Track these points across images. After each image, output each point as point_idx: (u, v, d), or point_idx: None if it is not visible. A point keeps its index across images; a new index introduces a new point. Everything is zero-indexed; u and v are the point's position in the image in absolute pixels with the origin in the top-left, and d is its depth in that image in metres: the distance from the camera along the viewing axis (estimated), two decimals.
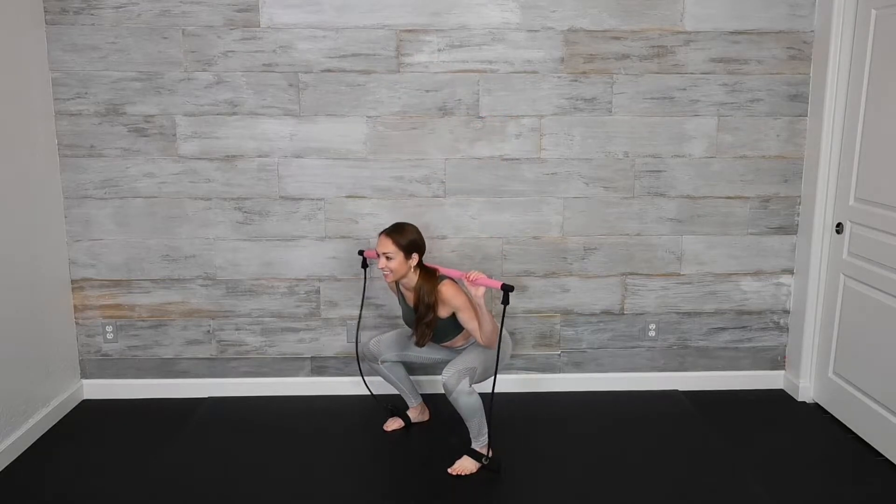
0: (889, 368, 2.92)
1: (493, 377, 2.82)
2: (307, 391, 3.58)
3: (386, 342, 3.09)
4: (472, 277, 2.68)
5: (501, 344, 2.82)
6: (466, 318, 2.76)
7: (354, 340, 3.55)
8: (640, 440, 3.11)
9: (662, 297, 3.58)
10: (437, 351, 3.07)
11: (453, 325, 2.86)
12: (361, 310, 3.33)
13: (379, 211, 3.42)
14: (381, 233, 2.81)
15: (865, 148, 3.07)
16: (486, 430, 2.84)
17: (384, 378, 3.15)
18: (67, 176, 3.36)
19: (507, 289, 2.67)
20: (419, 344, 2.87)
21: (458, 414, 2.86)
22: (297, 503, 2.64)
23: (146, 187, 3.39)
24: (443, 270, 2.86)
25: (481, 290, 2.67)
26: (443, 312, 2.80)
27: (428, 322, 2.80)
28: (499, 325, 2.77)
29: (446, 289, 2.76)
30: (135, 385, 3.55)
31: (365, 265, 3.20)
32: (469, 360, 2.80)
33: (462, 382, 2.73)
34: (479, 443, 2.84)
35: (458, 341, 2.96)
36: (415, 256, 2.80)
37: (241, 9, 3.24)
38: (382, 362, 3.09)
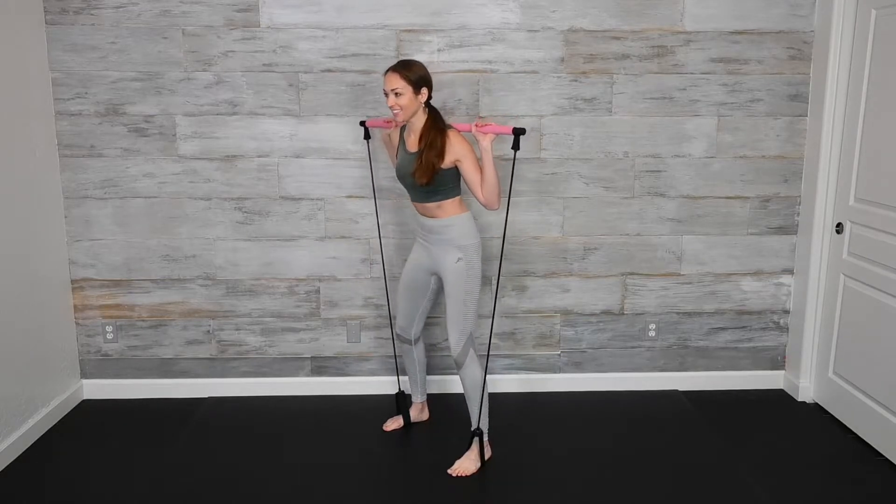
0: (889, 368, 2.92)
1: (478, 296, 2.79)
2: (307, 391, 3.58)
3: (402, 316, 3.04)
4: (480, 124, 2.60)
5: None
6: (469, 168, 2.65)
7: (357, 341, 3.56)
8: (640, 440, 3.11)
9: (662, 297, 3.58)
10: (423, 282, 2.94)
11: (452, 179, 2.72)
12: (375, 200, 3.28)
13: (379, 211, 3.42)
14: (388, 69, 2.67)
15: (865, 148, 3.07)
16: (486, 419, 2.86)
17: (409, 364, 3.16)
18: (67, 176, 3.36)
19: (518, 132, 2.56)
20: (419, 181, 2.66)
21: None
22: (297, 503, 2.64)
23: (146, 187, 3.39)
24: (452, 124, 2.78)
25: (490, 136, 2.58)
26: (446, 159, 2.66)
27: (430, 163, 2.63)
28: (499, 187, 2.65)
29: (454, 134, 2.67)
30: (135, 385, 3.55)
31: (367, 136, 3.15)
32: (460, 318, 2.75)
33: (469, 352, 2.78)
34: (478, 420, 2.83)
35: (446, 209, 2.75)
36: (424, 92, 2.68)
37: (241, 9, 3.24)
38: (416, 342, 3.09)
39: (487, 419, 2.89)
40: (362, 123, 3.15)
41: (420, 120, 2.72)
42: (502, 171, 2.75)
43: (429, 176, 2.65)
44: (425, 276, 2.96)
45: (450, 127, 2.73)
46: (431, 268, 2.90)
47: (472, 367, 2.80)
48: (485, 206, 2.69)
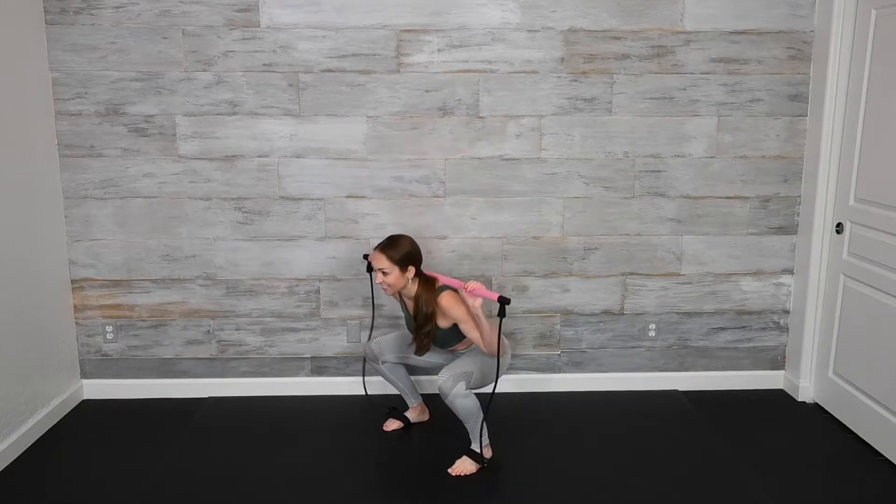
0: (889, 368, 2.92)
1: (493, 385, 2.81)
2: (307, 391, 3.58)
3: (387, 343, 3.09)
4: (469, 288, 2.67)
5: (502, 358, 2.83)
6: (468, 329, 2.76)
7: (357, 341, 3.56)
8: (640, 440, 3.11)
9: (662, 297, 3.58)
10: (438, 355, 3.07)
11: (454, 334, 2.86)
12: (374, 311, 3.36)
13: (379, 211, 3.42)
14: (376, 248, 2.82)
15: (865, 148, 3.07)
16: (485, 431, 2.84)
17: (385, 378, 3.15)
18: (67, 176, 3.36)
19: (503, 301, 2.63)
20: (418, 353, 2.89)
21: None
22: (296, 503, 2.64)
23: (146, 187, 3.39)
24: (442, 279, 2.85)
25: (479, 300, 2.65)
26: (443, 322, 2.81)
27: (427, 332, 2.81)
28: (497, 335, 2.75)
29: (446, 300, 2.76)
30: (135, 385, 3.55)
31: (370, 269, 3.20)
32: (466, 364, 2.79)
33: (458, 386, 2.71)
34: (478, 444, 2.83)
35: (459, 347, 2.97)
36: (411, 269, 2.81)
37: (241, 9, 3.24)
38: (383, 363, 3.09)
39: (486, 435, 2.87)
40: (365, 257, 3.25)
41: (411, 291, 2.84)
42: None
43: (430, 345, 2.85)
44: (446, 354, 3.06)
45: (441, 290, 2.79)
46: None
47: (459, 400, 2.73)
48: (488, 354, 2.81)
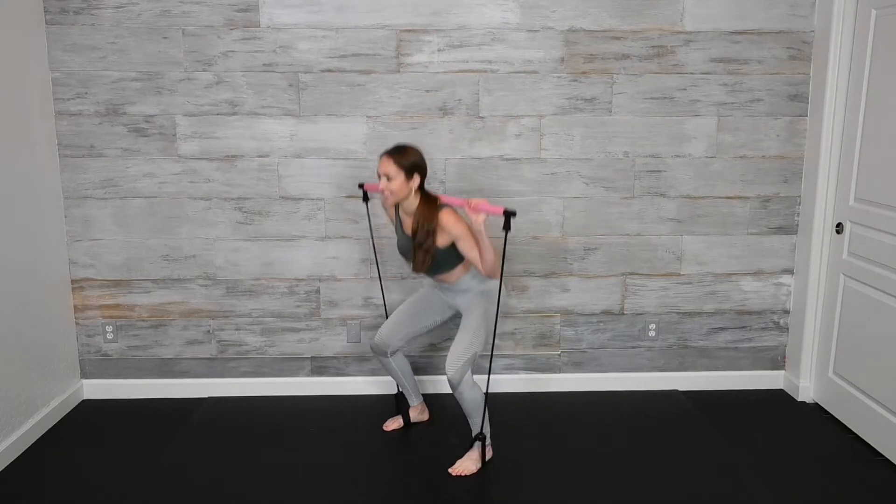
0: (889, 368, 2.92)
1: (492, 334, 2.82)
2: (307, 391, 3.58)
3: (388, 328, 3.03)
4: (473, 203, 2.62)
5: (502, 284, 2.79)
6: (467, 247, 2.69)
7: (358, 341, 3.56)
8: (640, 440, 3.11)
9: (662, 297, 3.58)
10: (434, 309, 3.01)
11: (453, 255, 2.78)
12: (376, 256, 3.31)
13: (379, 211, 3.42)
14: (383, 153, 2.72)
15: (865, 148, 3.07)
16: (487, 425, 2.85)
17: (391, 373, 3.14)
18: (67, 176, 3.36)
19: (508, 214, 2.58)
20: (416, 270, 2.78)
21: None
22: (296, 503, 2.64)
23: (146, 187, 3.39)
24: (444, 198, 2.79)
25: (482, 216, 2.60)
26: (442, 241, 2.72)
27: (426, 248, 2.71)
28: (500, 255, 2.69)
29: (446, 216, 2.69)
30: (135, 385, 3.55)
31: (366, 199, 3.18)
32: (467, 343, 2.76)
33: (465, 375, 2.73)
34: (486, 428, 2.85)
35: (455, 273, 2.85)
36: (416, 178, 2.72)
37: (241, 9, 3.24)
38: (392, 354, 3.06)
39: (488, 425, 2.89)
40: (360, 186, 3.16)
41: (412, 204, 2.77)
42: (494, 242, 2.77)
43: (428, 264, 2.75)
44: (442, 304, 3.01)
45: (442, 207, 2.74)
46: (449, 303, 2.99)
47: (468, 390, 2.76)
48: (487, 276, 2.75)
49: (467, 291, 2.88)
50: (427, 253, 2.72)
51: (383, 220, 3.35)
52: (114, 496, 2.68)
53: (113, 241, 3.43)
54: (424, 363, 3.58)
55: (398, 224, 2.92)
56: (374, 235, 3.31)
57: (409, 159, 2.70)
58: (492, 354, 2.88)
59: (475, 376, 2.82)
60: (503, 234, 2.63)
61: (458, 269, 2.85)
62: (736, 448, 3.05)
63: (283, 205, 3.42)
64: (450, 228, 2.68)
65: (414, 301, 3.06)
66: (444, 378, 3.56)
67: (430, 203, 2.74)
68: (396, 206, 2.87)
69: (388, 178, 2.69)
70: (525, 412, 3.39)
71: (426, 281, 3.07)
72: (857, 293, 3.13)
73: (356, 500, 2.66)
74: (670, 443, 3.08)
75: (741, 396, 3.58)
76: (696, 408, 3.43)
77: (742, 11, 3.31)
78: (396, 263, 3.44)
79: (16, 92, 3.01)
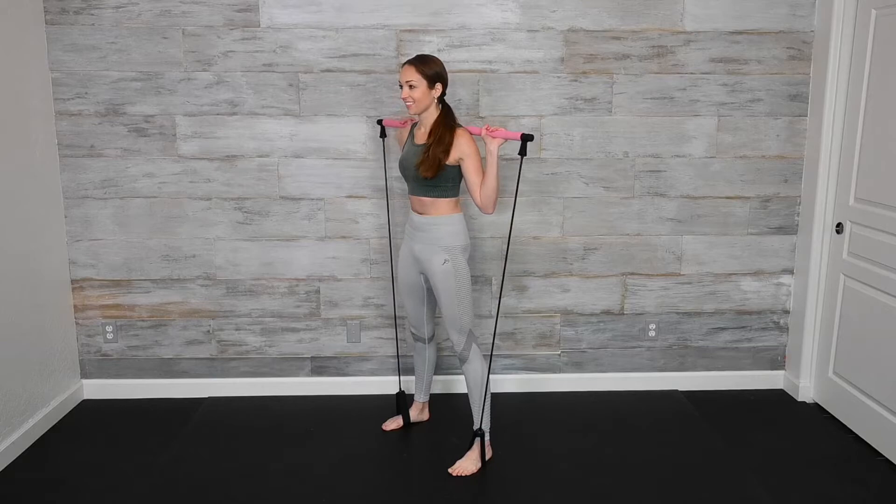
0: (889, 368, 2.92)
1: (469, 306, 2.81)
2: (307, 391, 3.58)
3: (411, 315, 3.05)
4: (491, 128, 2.64)
5: (462, 233, 2.79)
6: (472, 169, 2.68)
7: (357, 341, 3.56)
8: (640, 440, 3.11)
9: (662, 297, 3.58)
10: (415, 283, 2.96)
11: (452, 178, 2.74)
12: (388, 204, 3.30)
13: (379, 211, 3.42)
14: (405, 62, 2.72)
15: (865, 148, 3.07)
16: (488, 420, 2.86)
17: (418, 362, 3.17)
18: (67, 176, 3.36)
19: (526, 138, 2.58)
20: (421, 174, 2.70)
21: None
22: (296, 503, 2.64)
23: (146, 187, 3.39)
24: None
25: (498, 140, 2.61)
26: (451, 156, 2.69)
27: (435, 155, 2.67)
28: (497, 192, 2.68)
29: (462, 132, 2.70)
30: (135, 385, 3.55)
31: (383, 134, 3.18)
32: (458, 315, 2.77)
33: (472, 347, 2.80)
34: (486, 423, 2.86)
35: (441, 205, 2.77)
36: (438, 87, 2.72)
37: (241, 9, 3.24)
38: (429, 340, 3.10)
39: (490, 420, 2.89)
40: (379, 122, 3.16)
41: (432, 115, 2.76)
42: (506, 171, 2.76)
43: (433, 170, 2.69)
44: (416, 276, 2.96)
45: (460, 126, 2.75)
46: (419, 268, 2.91)
47: (476, 363, 2.81)
48: (480, 208, 2.71)
49: (434, 243, 2.78)
50: (435, 161, 2.68)
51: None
52: (113, 496, 2.68)
53: (113, 241, 3.43)
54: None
55: (409, 139, 2.89)
56: (386, 160, 3.26)
57: (432, 68, 2.71)
58: (491, 354, 2.89)
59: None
60: (519, 158, 2.64)
61: (447, 203, 2.78)
62: (736, 448, 3.05)
63: (283, 205, 3.42)
64: (462, 145, 2.68)
65: (402, 286, 3.02)
66: (447, 378, 3.56)
67: (449, 116, 2.76)
68: (411, 128, 2.86)
69: (411, 87, 2.69)
70: (525, 412, 3.39)
71: (400, 253, 2.98)
72: (857, 293, 3.13)
73: (356, 500, 2.66)
74: (670, 443, 3.08)
75: (741, 396, 3.58)
76: (696, 408, 3.43)
77: (742, 11, 3.31)
78: (396, 259, 3.44)
79: (16, 92, 3.01)
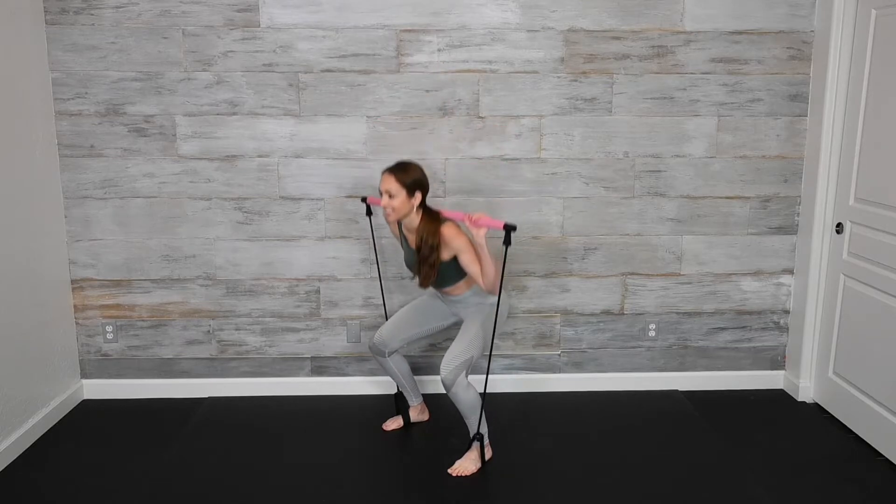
0: (889, 368, 2.92)
1: (490, 342, 2.85)
2: (307, 391, 3.58)
3: (389, 329, 3.04)
4: (474, 218, 2.65)
5: (502, 305, 2.83)
6: (468, 261, 2.72)
7: (357, 341, 3.56)
8: (641, 440, 3.11)
9: (662, 297, 3.58)
10: (436, 315, 3.04)
11: (455, 269, 2.81)
12: (379, 268, 3.35)
13: (379, 211, 3.42)
14: (384, 170, 2.76)
15: (865, 148, 3.07)
16: (484, 425, 2.85)
17: (390, 373, 3.14)
18: (67, 176, 3.36)
19: (509, 228, 2.61)
20: (423, 285, 2.81)
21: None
22: (296, 503, 2.64)
23: (146, 187, 3.39)
24: (445, 213, 2.82)
25: (483, 230, 2.63)
26: (444, 255, 2.76)
27: (431, 263, 2.75)
28: (500, 270, 2.72)
29: (448, 230, 2.73)
30: (135, 385, 3.55)
31: (369, 213, 3.20)
32: (464, 346, 2.77)
33: (459, 377, 2.73)
34: (483, 427, 2.85)
35: (459, 288, 2.89)
36: (418, 195, 2.76)
37: (241, 9, 3.24)
38: (389, 354, 3.07)
39: (485, 423, 2.89)
40: (364, 200, 3.20)
41: (413, 221, 2.81)
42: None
43: (433, 277, 2.79)
44: (444, 311, 3.05)
45: (444, 221, 2.77)
46: (451, 311, 3.03)
47: (461, 392, 2.76)
48: (488, 291, 2.78)
49: (469, 304, 2.92)
50: (432, 268, 2.76)
51: (384, 222, 3.35)
52: (114, 496, 2.68)
53: (113, 241, 3.43)
54: (425, 363, 3.58)
55: (402, 239, 2.96)
56: (374, 236, 3.32)
57: (411, 177, 2.74)
58: (490, 355, 2.88)
59: (472, 377, 2.83)
60: (503, 248, 2.65)
61: (462, 284, 2.89)
62: (736, 448, 3.05)
63: (283, 205, 3.42)
64: (452, 242, 2.72)
65: (416, 305, 3.08)
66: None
67: (431, 219, 2.78)
68: (399, 222, 2.89)
69: (391, 196, 2.73)
70: (525, 412, 3.39)
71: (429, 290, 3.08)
72: (857, 293, 3.13)
73: (356, 500, 2.66)
74: (670, 443, 3.08)
75: (741, 396, 3.58)
76: (696, 408, 3.43)
77: (742, 11, 3.31)
78: (396, 263, 3.44)
79: (16, 92, 3.01)
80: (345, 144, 3.37)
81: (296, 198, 3.42)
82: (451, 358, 2.75)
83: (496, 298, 2.82)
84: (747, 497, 2.67)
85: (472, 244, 2.71)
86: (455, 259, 2.77)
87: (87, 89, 3.29)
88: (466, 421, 2.85)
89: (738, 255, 3.55)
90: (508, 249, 2.65)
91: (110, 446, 3.07)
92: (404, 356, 3.21)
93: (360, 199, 3.35)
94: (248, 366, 3.58)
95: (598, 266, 3.54)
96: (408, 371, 3.18)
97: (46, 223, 3.25)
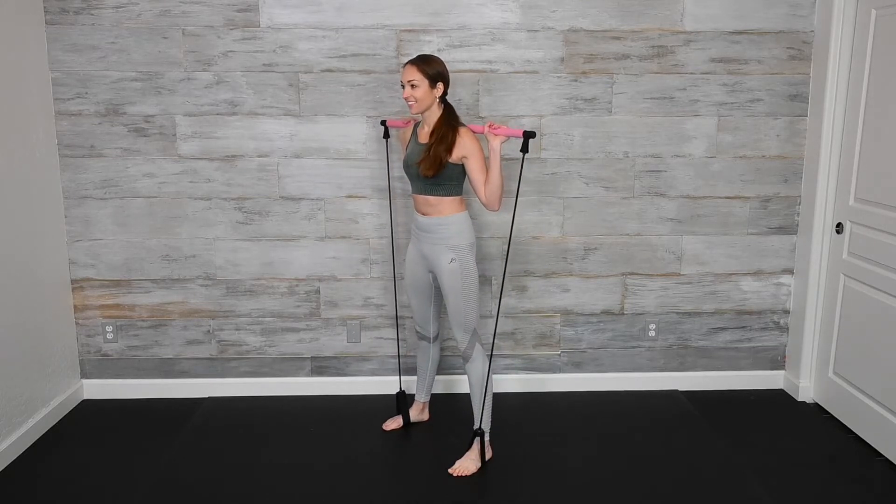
0: (889, 368, 2.92)
1: (479, 306, 2.85)
2: (307, 391, 3.58)
3: (417, 315, 3.06)
4: (493, 126, 2.65)
5: (466, 224, 2.80)
6: (475, 167, 2.68)
7: (357, 341, 3.56)
8: (641, 440, 3.11)
9: (662, 297, 3.58)
10: (423, 282, 2.97)
11: (457, 176, 2.75)
12: (391, 204, 3.31)
13: (379, 211, 3.42)
14: (407, 62, 2.73)
15: (865, 148, 3.07)
16: (489, 420, 2.87)
17: (421, 361, 3.16)
18: (67, 176, 3.36)
19: (528, 135, 2.59)
20: (422, 173, 2.70)
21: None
22: (296, 503, 2.64)
23: (146, 187, 3.39)
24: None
25: (500, 137, 2.63)
26: (455, 154, 2.69)
27: (437, 154, 2.67)
28: (503, 189, 2.69)
29: (465, 131, 2.71)
30: (135, 385, 3.55)
31: (387, 135, 3.18)
32: (460, 315, 2.78)
33: (476, 346, 2.82)
34: (486, 423, 2.86)
35: (445, 204, 2.77)
36: (440, 87, 2.73)
37: (241, 9, 3.24)
38: (434, 340, 3.10)
39: (490, 420, 2.89)
40: (383, 122, 3.17)
41: (434, 114, 2.77)
42: (508, 171, 2.77)
43: (435, 169, 2.69)
44: (424, 274, 2.96)
45: (463, 125, 2.76)
46: (427, 266, 2.92)
47: (478, 362, 2.83)
48: (485, 206, 2.72)
49: (441, 242, 2.79)
50: (437, 159, 2.69)
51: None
52: (114, 496, 2.68)
53: (113, 241, 3.43)
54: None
55: (412, 138, 2.89)
56: (389, 160, 3.26)
57: (433, 67, 2.72)
58: (491, 354, 2.88)
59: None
60: (521, 155, 2.64)
61: (451, 202, 2.78)
62: (736, 448, 3.05)
63: (283, 205, 3.42)
64: (466, 142, 2.69)
65: (408, 283, 3.03)
66: (445, 377, 3.56)
67: (451, 115, 2.77)
68: (414, 127, 2.87)
69: (413, 86, 2.70)
70: (525, 412, 3.39)
71: (408, 253, 2.99)
72: (857, 293, 3.13)
73: (356, 500, 2.66)
74: (670, 443, 3.08)
75: (741, 396, 3.58)
76: (696, 408, 3.43)
77: (742, 11, 3.31)
78: (399, 259, 3.44)
79: (16, 92, 3.01)
80: (345, 144, 3.37)
81: (296, 198, 3.42)
82: (461, 335, 2.81)
83: (464, 245, 2.76)
84: (747, 497, 2.67)
85: (482, 157, 2.69)
86: (459, 167, 2.72)
87: (87, 89, 3.29)
88: (473, 401, 2.86)
89: (738, 255, 3.55)
90: (526, 156, 2.63)
91: (110, 446, 3.07)
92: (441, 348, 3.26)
93: (379, 123, 3.31)
94: (248, 366, 3.58)
95: (598, 266, 3.54)
96: (437, 364, 3.21)
97: (46, 223, 3.25)
